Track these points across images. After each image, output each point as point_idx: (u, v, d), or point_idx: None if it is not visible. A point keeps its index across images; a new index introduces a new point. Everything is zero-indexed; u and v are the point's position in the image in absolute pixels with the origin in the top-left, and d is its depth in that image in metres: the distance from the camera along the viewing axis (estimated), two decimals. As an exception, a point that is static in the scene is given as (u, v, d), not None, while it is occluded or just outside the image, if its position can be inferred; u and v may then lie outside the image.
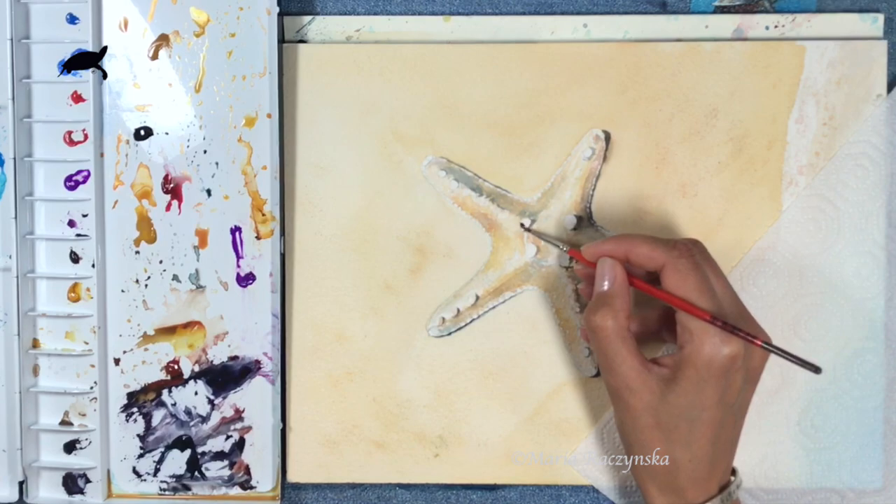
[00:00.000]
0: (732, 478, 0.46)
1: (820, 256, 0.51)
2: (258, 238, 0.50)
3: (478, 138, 0.51)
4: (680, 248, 0.44)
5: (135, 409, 0.51)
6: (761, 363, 0.44)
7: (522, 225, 0.51)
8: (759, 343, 0.42)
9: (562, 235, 0.51)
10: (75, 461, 0.51)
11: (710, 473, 0.44)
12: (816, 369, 0.42)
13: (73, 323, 0.51)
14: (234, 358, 0.51)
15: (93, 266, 0.51)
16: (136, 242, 0.51)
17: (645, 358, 0.44)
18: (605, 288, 0.45)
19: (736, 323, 0.43)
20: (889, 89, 0.51)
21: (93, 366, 0.51)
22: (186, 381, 0.51)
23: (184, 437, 0.51)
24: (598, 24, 0.51)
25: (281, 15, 0.51)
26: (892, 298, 0.51)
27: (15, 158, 0.50)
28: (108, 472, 0.51)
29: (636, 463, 0.45)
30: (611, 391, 0.45)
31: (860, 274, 0.51)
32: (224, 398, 0.51)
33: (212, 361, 0.51)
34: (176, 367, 0.51)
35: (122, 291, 0.51)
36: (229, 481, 0.51)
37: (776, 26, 0.51)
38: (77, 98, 0.51)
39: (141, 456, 0.51)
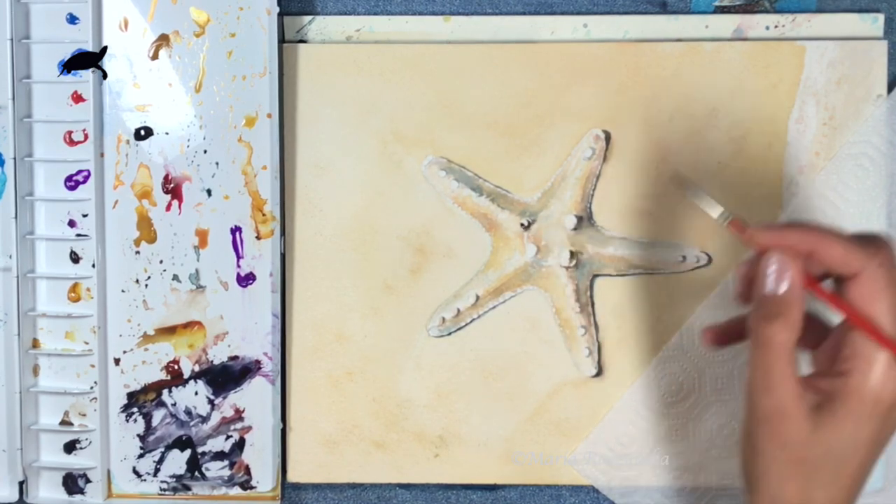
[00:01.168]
0: None
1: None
2: (258, 238, 0.50)
3: (478, 138, 0.51)
4: (883, 255, 0.37)
5: (135, 409, 0.51)
6: None
7: (680, 178, 0.45)
8: None
9: (562, 235, 0.51)
10: (75, 461, 0.51)
11: None
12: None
13: (73, 323, 0.51)
14: (234, 358, 0.51)
15: (93, 266, 0.51)
16: (137, 242, 0.51)
17: (803, 381, 0.38)
18: (781, 291, 0.38)
19: None
20: (889, 89, 0.51)
21: (93, 366, 0.51)
22: (186, 381, 0.51)
23: (184, 437, 0.51)
24: (598, 24, 0.51)
25: (281, 15, 0.51)
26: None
27: (15, 158, 0.50)
28: (108, 472, 0.51)
29: (761, 494, 0.39)
30: (757, 413, 0.38)
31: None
32: (224, 398, 0.51)
33: (212, 361, 0.51)
34: (176, 367, 0.51)
35: (122, 291, 0.51)
36: (229, 481, 0.51)
37: (776, 26, 0.51)
38: (77, 98, 0.51)
39: (141, 456, 0.51)
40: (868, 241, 0.38)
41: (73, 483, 0.51)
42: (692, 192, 0.42)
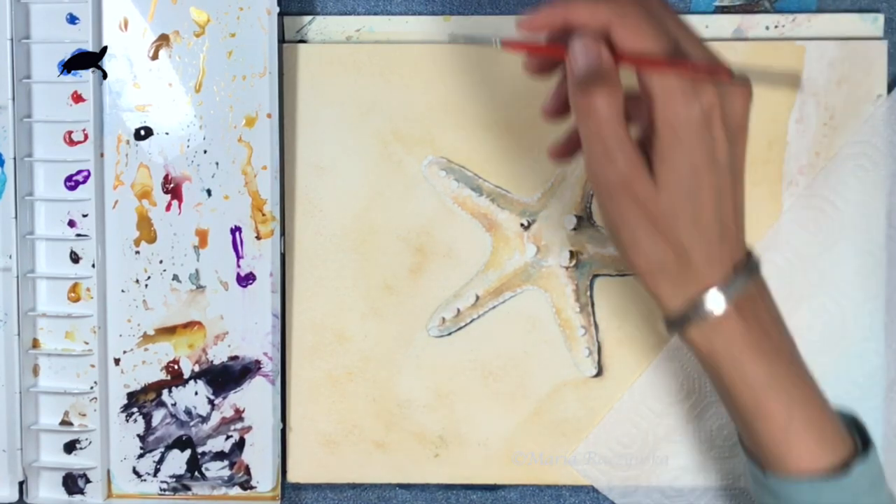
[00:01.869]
0: (744, 263, 0.40)
1: (820, 257, 0.51)
2: (258, 238, 0.50)
3: (478, 138, 0.51)
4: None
5: (135, 409, 0.51)
6: (742, 114, 0.39)
7: (453, 37, 0.45)
8: (726, 76, 0.37)
9: (562, 235, 0.51)
10: (75, 461, 0.51)
11: (721, 247, 0.39)
12: (796, 80, 0.37)
13: (73, 323, 0.51)
14: (234, 358, 0.51)
15: (93, 266, 0.51)
16: (136, 242, 0.51)
17: (637, 144, 0.38)
18: (593, 61, 0.37)
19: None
20: (889, 89, 0.51)
21: (93, 366, 0.51)
22: (186, 381, 0.51)
23: (184, 437, 0.51)
24: (598, 24, 0.51)
25: (281, 15, 0.51)
26: (892, 299, 0.51)
27: (15, 158, 0.50)
28: (108, 472, 0.51)
29: (641, 260, 0.39)
30: (606, 187, 0.38)
31: (860, 274, 0.51)
32: (224, 398, 0.51)
33: (212, 361, 0.51)
34: (176, 367, 0.51)
35: (122, 291, 0.51)
36: (229, 481, 0.51)
37: (776, 26, 0.51)
38: (77, 98, 0.51)
39: (141, 456, 0.51)
40: None
41: (73, 483, 0.51)
42: (458, 40, 0.43)
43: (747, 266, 0.39)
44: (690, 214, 0.38)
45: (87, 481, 0.51)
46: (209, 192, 0.50)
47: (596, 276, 0.52)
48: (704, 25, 0.51)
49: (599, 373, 0.52)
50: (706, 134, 0.37)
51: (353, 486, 0.53)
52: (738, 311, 0.39)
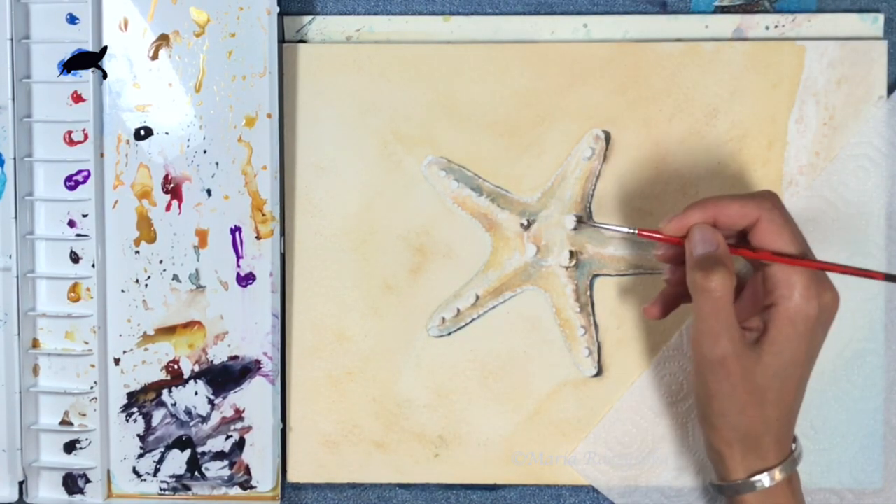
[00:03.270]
0: (794, 445, 0.46)
1: (820, 258, 0.51)
2: (258, 238, 0.50)
3: (478, 138, 0.51)
4: (772, 199, 0.43)
5: (135, 409, 0.51)
6: (835, 314, 0.43)
7: (578, 219, 0.51)
8: (879, 276, 0.43)
9: (562, 235, 0.51)
10: (75, 461, 0.51)
11: (788, 432, 0.44)
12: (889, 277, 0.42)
13: (73, 323, 0.51)
14: (234, 358, 0.51)
15: (93, 266, 0.51)
16: (136, 242, 0.51)
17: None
18: (713, 247, 0.43)
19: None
20: (889, 89, 0.51)
21: (93, 366, 0.51)
22: (186, 381, 0.51)
23: (184, 437, 0.51)
24: (598, 24, 0.51)
25: (281, 15, 0.51)
26: (892, 300, 0.51)
27: (15, 158, 0.50)
28: (108, 472, 0.51)
29: (723, 428, 0.44)
30: (708, 359, 0.43)
31: (860, 274, 0.51)
32: (224, 398, 0.51)
33: (212, 361, 0.51)
34: (176, 367, 0.51)
35: (122, 291, 0.51)
36: (229, 481, 0.51)
37: (776, 26, 0.51)
38: (77, 98, 0.51)
39: (141, 456, 0.51)
40: (755, 194, 0.44)
41: (73, 483, 0.51)
42: (595, 227, 0.50)
43: (798, 449, 0.45)
44: (777, 395, 0.43)
45: (87, 481, 0.51)
46: (209, 192, 0.50)
47: (596, 276, 0.52)
48: (704, 25, 0.51)
49: (599, 373, 0.52)
50: (817, 332, 0.42)
51: (353, 486, 0.53)
52: (789, 485, 0.44)
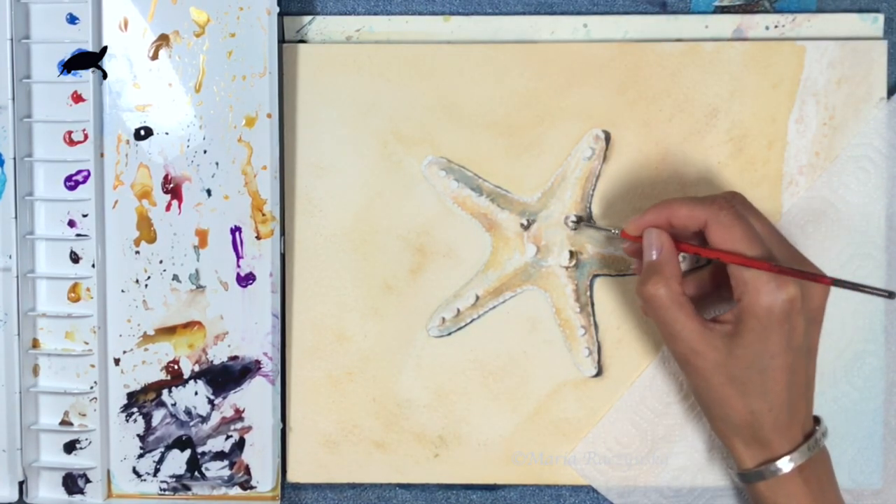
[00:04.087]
0: (817, 427, 0.46)
1: (820, 258, 0.51)
2: (258, 238, 0.50)
3: (478, 138, 0.51)
4: (719, 201, 0.44)
5: (135, 409, 0.51)
6: (821, 302, 0.45)
7: (576, 220, 0.51)
8: (826, 280, 0.43)
9: (562, 235, 0.51)
10: (75, 461, 0.51)
11: (792, 420, 0.45)
12: (890, 294, 0.42)
13: (73, 323, 0.51)
14: (234, 358, 0.51)
15: (93, 266, 0.51)
16: (136, 242, 0.51)
17: (704, 319, 0.44)
18: (654, 257, 0.45)
19: (790, 264, 0.43)
20: (889, 90, 0.51)
21: (93, 366, 0.51)
22: (186, 381, 0.51)
23: (184, 437, 0.51)
24: (598, 24, 0.51)
25: (281, 15, 0.51)
26: (892, 301, 0.51)
27: (15, 158, 0.50)
28: (108, 472, 0.52)
29: (717, 421, 0.46)
30: (677, 358, 0.45)
31: (860, 276, 0.51)
32: (224, 398, 0.51)
33: (212, 361, 0.51)
34: (176, 367, 0.51)
35: (122, 291, 0.51)
36: (229, 481, 0.51)
37: (776, 26, 0.51)
38: (77, 98, 0.51)
39: (141, 456, 0.51)
40: (708, 196, 0.45)
41: (73, 483, 0.51)
42: (593, 227, 0.51)
43: (815, 437, 0.45)
44: (760, 387, 0.43)
45: (87, 481, 0.51)
46: (209, 192, 0.50)
47: (596, 276, 0.52)
48: (704, 25, 0.51)
49: (599, 373, 0.52)
50: (785, 324, 0.43)
51: (353, 486, 0.53)
52: (801, 474, 0.45)
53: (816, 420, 0.47)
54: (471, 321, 0.52)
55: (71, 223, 0.51)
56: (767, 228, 0.45)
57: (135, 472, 0.51)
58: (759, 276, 0.42)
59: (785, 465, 0.44)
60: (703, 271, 0.48)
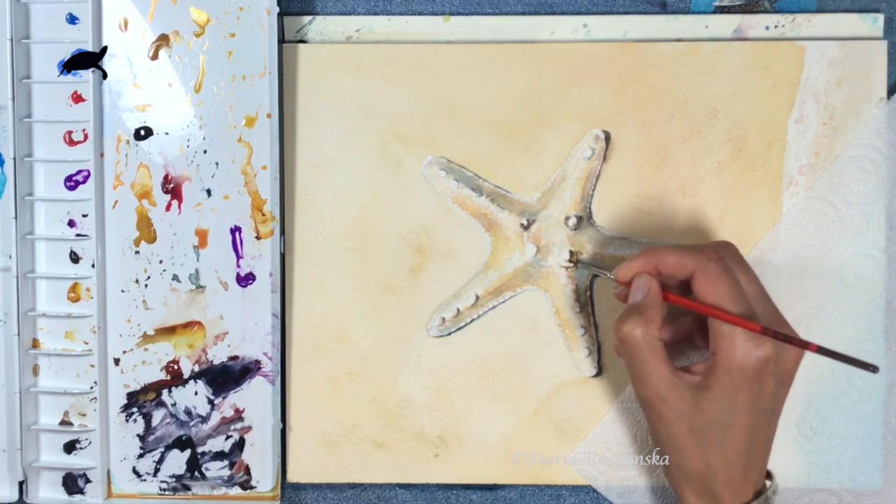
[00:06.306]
0: (768, 482, 0.46)
1: (820, 258, 0.51)
2: (258, 238, 0.50)
3: (478, 138, 0.51)
4: (708, 252, 0.44)
5: (135, 409, 0.51)
6: (794, 365, 0.44)
7: (575, 259, 0.51)
8: (811, 347, 0.42)
9: (562, 235, 0.51)
10: (75, 461, 0.51)
11: (745, 478, 0.44)
12: (874, 368, 0.41)
13: (73, 323, 0.51)
14: (234, 358, 0.51)
15: (93, 266, 0.51)
16: (136, 242, 0.51)
17: (675, 366, 0.44)
18: (639, 299, 0.45)
19: (769, 325, 0.42)
20: (889, 90, 0.51)
21: (93, 366, 0.51)
22: (186, 381, 0.51)
23: (184, 437, 0.51)
24: (598, 24, 0.51)
25: (281, 15, 0.51)
26: (892, 301, 0.51)
27: (15, 158, 0.50)
28: (108, 472, 0.52)
29: (672, 468, 0.46)
30: (641, 401, 0.45)
31: (860, 276, 0.51)
32: (224, 398, 0.51)
33: (212, 361, 0.51)
34: (176, 367, 0.51)
35: (122, 291, 0.51)
36: (229, 481, 0.51)
37: (776, 26, 0.51)
38: (77, 98, 0.51)
39: (141, 456, 0.51)
40: (698, 245, 0.45)
41: (73, 483, 0.51)
42: (590, 268, 0.51)
43: (765, 494, 0.45)
44: (719, 442, 0.43)
45: (87, 481, 0.51)
46: (209, 192, 0.50)
47: (596, 276, 0.52)
48: (704, 25, 0.51)
49: (599, 373, 0.52)
50: (755, 383, 0.42)
51: (353, 486, 0.53)
52: None
53: (769, 475, 0.47)
54: (471, 321, 0.52)
55: (71, 223, 0.51)
56: (754, 285, 0.44)
57: (135, 472, 0.51)
58: (737, 331, 0.42)
59: None
60: (684, 318, 0.47)
